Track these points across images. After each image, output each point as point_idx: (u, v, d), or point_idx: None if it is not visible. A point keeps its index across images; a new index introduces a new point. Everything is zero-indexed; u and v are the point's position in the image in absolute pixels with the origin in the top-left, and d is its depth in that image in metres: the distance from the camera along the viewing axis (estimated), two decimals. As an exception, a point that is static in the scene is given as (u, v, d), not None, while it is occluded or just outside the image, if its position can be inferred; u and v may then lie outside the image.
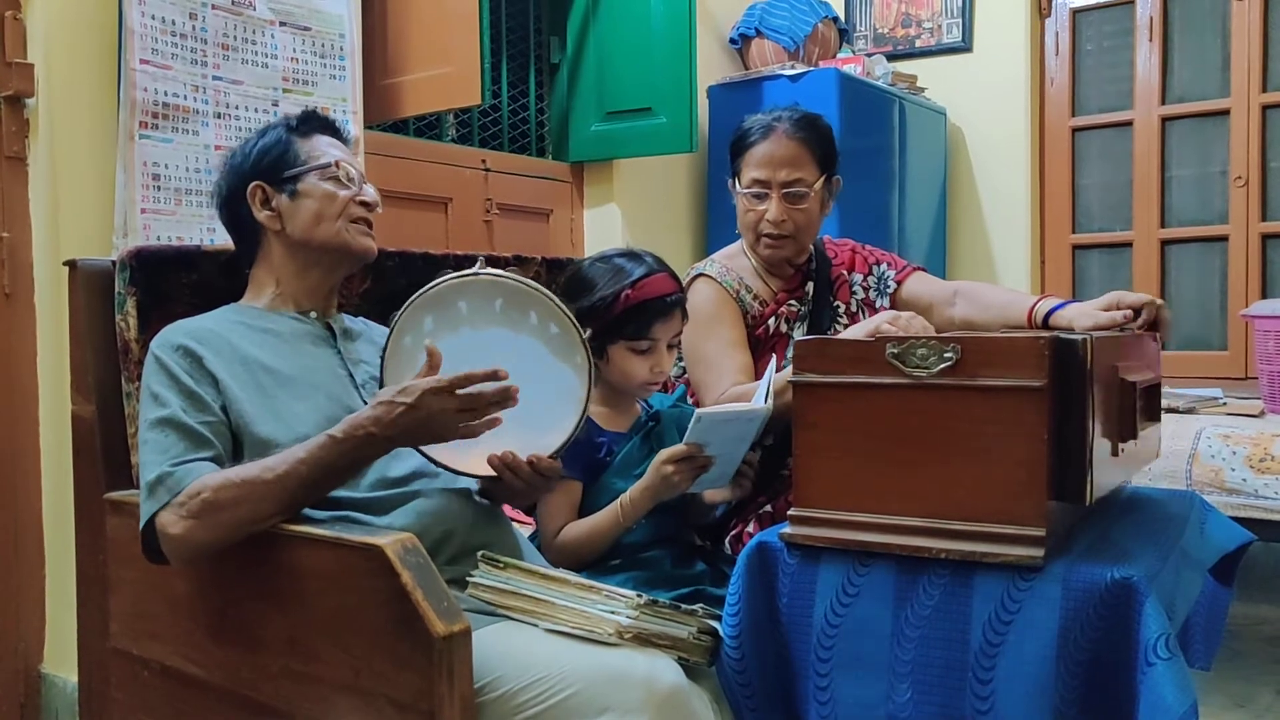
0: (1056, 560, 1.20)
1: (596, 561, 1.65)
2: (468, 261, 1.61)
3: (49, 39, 2.14)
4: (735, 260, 2.05)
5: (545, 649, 1.29)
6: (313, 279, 1.58)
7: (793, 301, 2.02)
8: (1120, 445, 1.33)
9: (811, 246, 2.06)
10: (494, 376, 1.33)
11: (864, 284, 2.10)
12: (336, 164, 1.55)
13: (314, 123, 1.61)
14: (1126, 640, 1.15)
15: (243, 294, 1.60)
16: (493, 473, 1.44)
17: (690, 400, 1.94)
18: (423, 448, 1.42)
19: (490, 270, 1.46)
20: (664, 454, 1.60)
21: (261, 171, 1.54)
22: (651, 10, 3.32)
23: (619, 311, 1.68)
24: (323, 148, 1.57)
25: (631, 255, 1.75)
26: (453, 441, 1.38)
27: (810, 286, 2.04)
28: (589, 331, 1.63)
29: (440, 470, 1.48)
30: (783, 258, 2.02)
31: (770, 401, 1.60)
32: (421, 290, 1.43)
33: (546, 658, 1.27)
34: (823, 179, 1.98)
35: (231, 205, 1.57)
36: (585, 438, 1.69)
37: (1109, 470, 1.31)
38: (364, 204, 1.56)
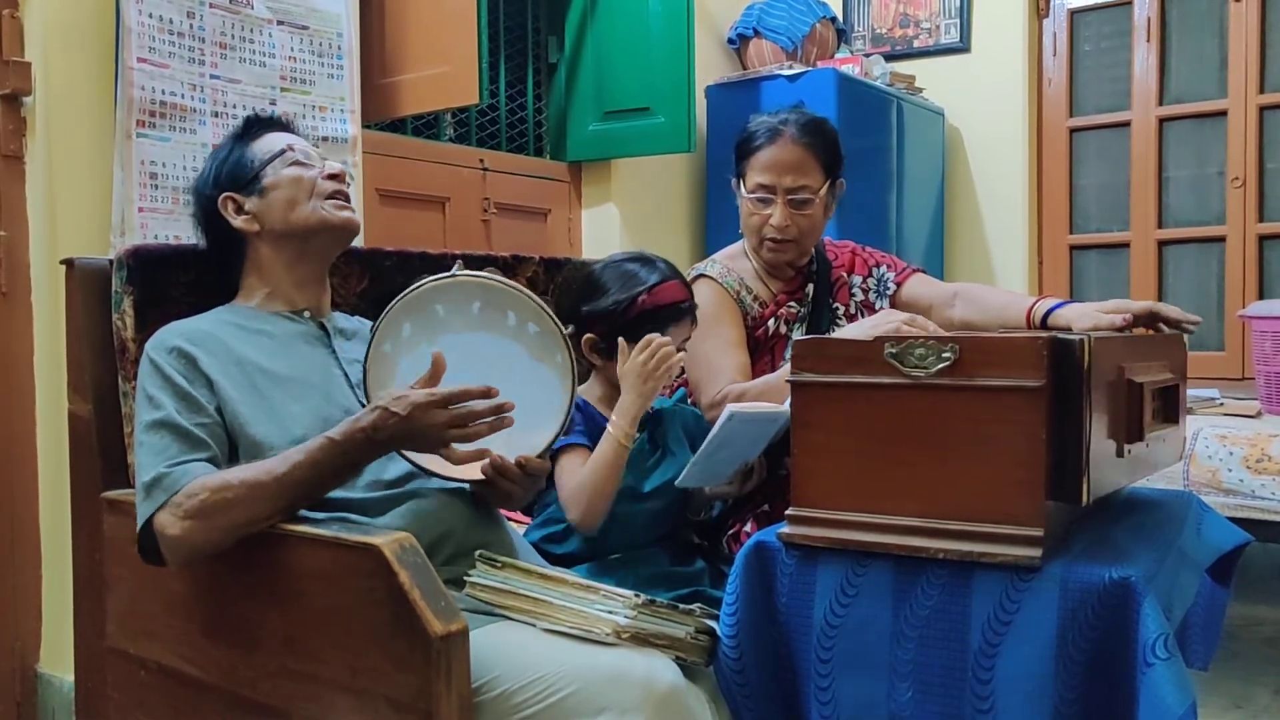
0: (1054, 560, 1.20)
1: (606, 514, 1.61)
2: (452, 262, 1.61)
3: (46, 37, 2.13)
4: (736, 262, 2.05)
5: (543, 649, 1.29)
6: (304, 270, 1.58)
7: (792, 303, 2.02)
8: (1126, 447, 1.32)
9: (812, 248, 2.06)
10: (487, 394, 1.34)
11: (863, 286, 2.09)
12: (290, 147, 1.57)
13: (260, 125, 1.63)
14: (1125, 640, 1.15)
15: (237, 295, 1.60)
16: (480, 477, 1.44)
17: (689, 401, 1.94)
18: (411, 454, 1.42)
19: (467, 272, 1.46)
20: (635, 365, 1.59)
21: (225, 183, 1.56)
22: (649, 10, 3.31)
23: (632, 317, 1.68)
24: (273, 140, 1.59)
25: (644, 260, 1.74)
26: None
27: (810, 288, 2.04)
28: (571, 329, 1.63)
29: (436, 470, 1.48)
30: (785, 262, 2.01)
31: None
32: (399, 296, 1.43)
33: (544, 657, 1.27)
34: (827, 184, 1.97)
35: (210, 224, 1.59)
36: (592, 417, 1.69)
37: (1113, 471, 1.31)
38: (331, 177, 1.57)
